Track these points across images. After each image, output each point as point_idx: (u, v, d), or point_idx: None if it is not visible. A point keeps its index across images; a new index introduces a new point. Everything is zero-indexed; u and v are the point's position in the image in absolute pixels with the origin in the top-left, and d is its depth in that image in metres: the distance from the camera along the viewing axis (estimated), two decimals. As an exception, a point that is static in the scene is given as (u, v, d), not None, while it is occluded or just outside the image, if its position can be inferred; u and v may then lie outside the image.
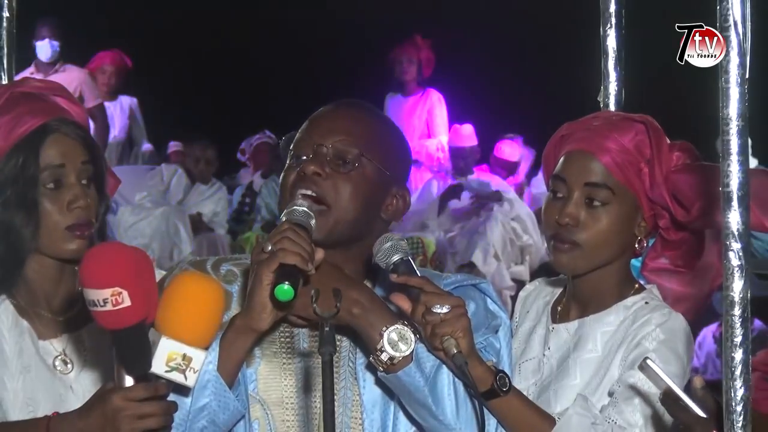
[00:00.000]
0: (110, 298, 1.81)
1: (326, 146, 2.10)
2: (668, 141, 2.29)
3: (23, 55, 6.66)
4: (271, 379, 2.10)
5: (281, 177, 2.17)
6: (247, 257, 2.23)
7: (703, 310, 2.39)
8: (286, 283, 1.90)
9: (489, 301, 2.21)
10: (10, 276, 2.18)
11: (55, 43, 7.38)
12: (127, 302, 1.82)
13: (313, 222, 2.03)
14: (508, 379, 2.05)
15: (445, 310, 1.98)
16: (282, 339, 2.12)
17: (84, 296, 1.84)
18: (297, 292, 1.91)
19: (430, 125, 8.44)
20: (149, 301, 1.88)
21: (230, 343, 1.98)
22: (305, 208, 2.03)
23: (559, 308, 2.38)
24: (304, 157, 2.11)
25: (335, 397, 2.00)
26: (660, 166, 2.24)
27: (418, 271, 2.06)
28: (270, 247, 1.96)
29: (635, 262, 2.40)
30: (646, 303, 2.27)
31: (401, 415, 2.09)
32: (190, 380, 1.92)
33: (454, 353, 1.96)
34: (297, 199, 2.06)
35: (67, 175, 2.17)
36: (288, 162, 2.17)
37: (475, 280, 2.23)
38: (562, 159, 2.30)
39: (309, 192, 2.07)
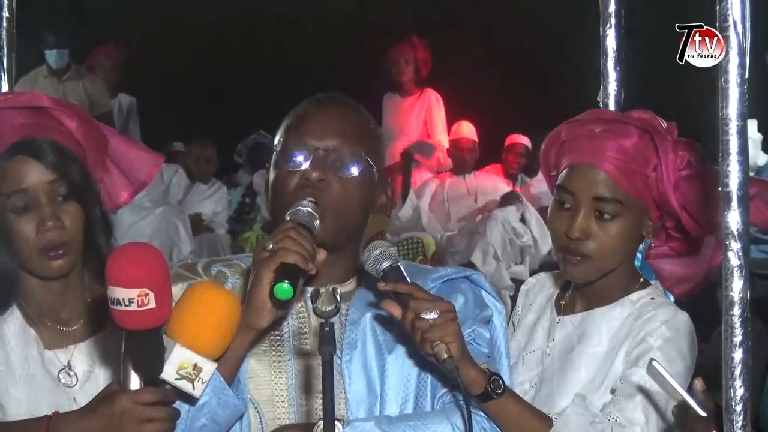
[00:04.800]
0: (137, 299, 1.80)
1: (324, 150, 2.10)
2: (673, 136, 2.28)
3: (30, 55, 6.66)
4: (262, 378, 2.11)
5: (274, 180, 2.14)
6: (237, 258, 2.25)
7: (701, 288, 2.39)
8: (286, 281, 1.90)
9: (483, 292, 2.21)
10: (6, 296, 2.20)
11: (64, 51, 7.39)
12: (153, 304, 1.81)
13: (317, 223, 2.03)
14: (502, 381, 2.04)
15: (434, 315, 1.97)
16: (272, 337, 2.12)
17: (108, 293, 1.83)
18: (296, 291, 1.91)
19: (429, 125, 8.43)
20: (170, 305, 1.88)
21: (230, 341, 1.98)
22: (310, 209, 2.04)
23: (563, 302, 2.39)
24: (302, 161, 2.10)
25: (320, 396, 2.01)
26: (668, 172, 2.24)
27: (407, 278, 2.05)
28: (271, 246, 1.96)
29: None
30: (652, 299, 2.28)
31: (386, 412, 2.08)
32: (197, 390, 1.92)
33: (444, 358, 1.96)
34: (302, 200, 2.06)
35: (33, 198, 2.17)
36: (277, 164, 2.14)
37: (466, 272, 2.24)
38: (566, 171, 2.30)
39: (314, 199, 2.07)
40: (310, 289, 2.11)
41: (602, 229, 2.25)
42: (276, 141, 2.18)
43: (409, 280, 2.04)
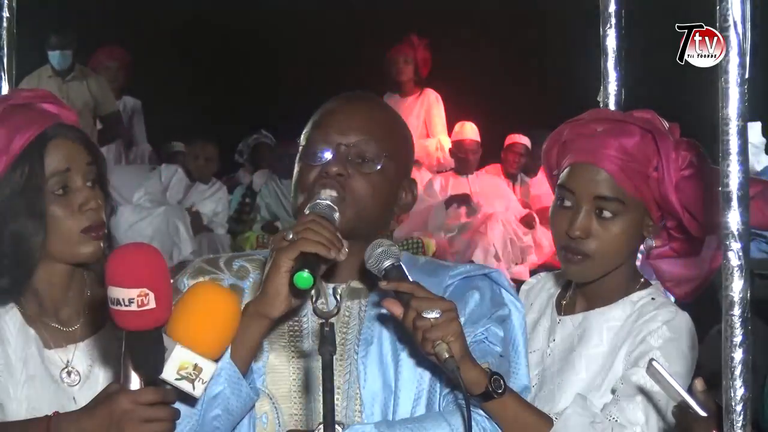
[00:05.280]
0: (136, 299, 1.80)
1: (347, 145, 2.11)
2: (675, 137, 2.28)
3: (30, 56, 6.67)
4: (280, 373, 2.11)
5: (297, 174, 2.16)
6: (259, 253, 2.25)
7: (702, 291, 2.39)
8: (306, 270, 1.90)
9: (503, 290, 2.20)
10: (19, 285, 2.19)
11: (67, 52, 7.40)
12: (152, 304, 1.82)
13: (336, 215, 2.04)
14: (503, 380, 2.04)
15: (435, 315, 1.97)
16: (290, 333, 2.13)
17: (108, 294, 1.83)
18: (316, 280, 1.91)
19: (429, 125, 8.43)
20: (170, 305, 1.88)
21: (242, 329, 1.98)
22: (329, 202, 2.05)
23: (563, 302, 2.39)
24: (324, 155, 2.11)
25: (339, 391, 2.02)
26: (669, 172, 2.24)
27: (410, 277, 2.04)
28: (291, 236, 1.96)
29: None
30: (653, 299, 2.28)
31: (400, 410, 2.08)
32: (197, 390, 1.92)
33: (445, 358, 1.95)
34: (320, 193, 2.07)
35: (73, 179, 2.17)
36: (301, 159, 2.16)
37: (485, 270, 2.23)
38: (568, 170, 2.30)
39: (333, 193, 2.08)
40: (331, 286, 2.14)
41: (603, 228, 2.26)
42: (302, 138, 2.19)
43: (411, 279, 2.04)
